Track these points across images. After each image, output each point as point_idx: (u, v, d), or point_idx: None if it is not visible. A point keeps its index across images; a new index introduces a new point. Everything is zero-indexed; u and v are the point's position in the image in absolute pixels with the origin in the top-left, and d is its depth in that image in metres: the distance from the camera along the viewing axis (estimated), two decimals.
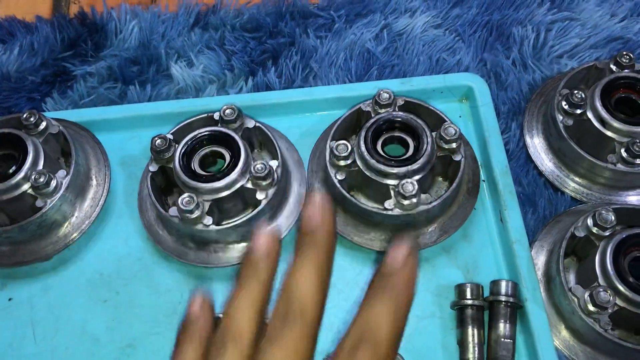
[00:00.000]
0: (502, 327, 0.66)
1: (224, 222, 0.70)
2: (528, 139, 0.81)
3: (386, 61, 0.87)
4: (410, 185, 0.67)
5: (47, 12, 0.96)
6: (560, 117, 0.76)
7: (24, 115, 0.74)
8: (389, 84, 0.81)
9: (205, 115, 0.75)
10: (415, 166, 0.69)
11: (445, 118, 0.73)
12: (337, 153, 0.70)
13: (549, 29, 0.88)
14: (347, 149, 0.70)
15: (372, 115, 0.74)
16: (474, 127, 0.82)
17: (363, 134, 0.71)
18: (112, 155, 0.80)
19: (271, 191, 0.70)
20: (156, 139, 0.72)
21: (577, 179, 0.77)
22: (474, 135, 0.81)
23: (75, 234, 0.74)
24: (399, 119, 0.72)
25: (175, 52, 0.88)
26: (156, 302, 0.72)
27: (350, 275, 0.73)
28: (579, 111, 0.75)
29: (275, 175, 0.71)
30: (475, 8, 0.91)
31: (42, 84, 0.86)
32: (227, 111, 0.73)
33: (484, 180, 0.78)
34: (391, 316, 0.35)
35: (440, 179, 0.75)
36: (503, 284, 0.68)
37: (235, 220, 0.69)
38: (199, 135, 0.72)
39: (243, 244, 0.72)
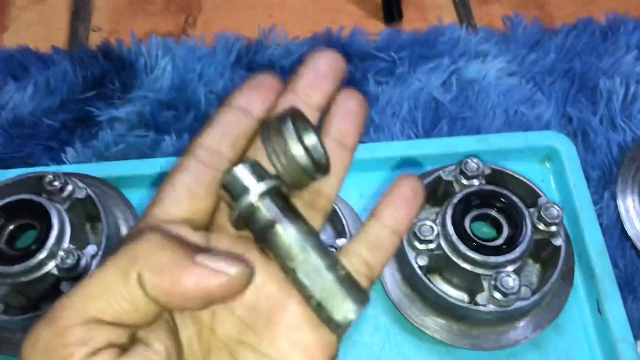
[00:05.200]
0: None
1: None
2: (623, 212, 0.71)
3: (457, 112, 0.76)
4: (511, 280, 0.57)
5: (63, 41, 0.84)
6: None
7: (47, 179, 0.62)
8: (464, 142, 0.71)
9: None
10: (512, 255, 0.59)
11: (539, 193, 0.63)
12: (421, 236, 0.60)
13: (639, 80, 0.78)
14: (433, 231, 0.60)
15: (455, 185, 0.64)
16: (559, 196, 0.72)
17: (450, 212, 0.61)
18: None
19: None
20: None
21: None
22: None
23: None
24: (494, 196, 0.62)
25: (215, 96, 0.76)
26: None
27: None
28: None
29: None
30: (554, 53, 0.80)
31: (61, 129, 0.74)
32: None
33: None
34: None
35: (530, 260, 0.66)
36: None
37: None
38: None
39: None
